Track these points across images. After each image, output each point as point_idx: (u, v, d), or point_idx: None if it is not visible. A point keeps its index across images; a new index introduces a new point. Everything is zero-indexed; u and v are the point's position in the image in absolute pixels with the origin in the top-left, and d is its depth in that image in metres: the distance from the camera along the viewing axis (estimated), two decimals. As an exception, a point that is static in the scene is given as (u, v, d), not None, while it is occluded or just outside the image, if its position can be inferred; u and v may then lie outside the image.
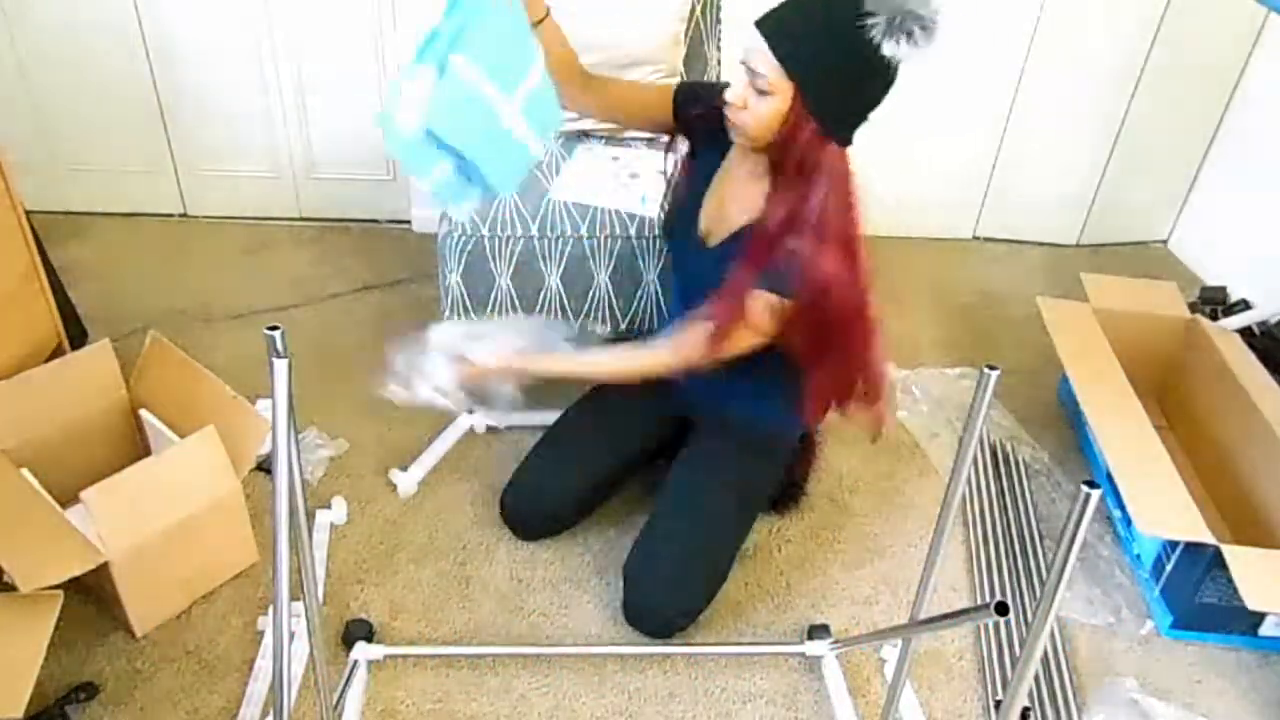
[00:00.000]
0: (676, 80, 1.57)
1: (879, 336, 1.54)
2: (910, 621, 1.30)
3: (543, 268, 1.95)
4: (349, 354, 2.21)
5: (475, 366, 1.50)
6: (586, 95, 1.65)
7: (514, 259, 1.93)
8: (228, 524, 1.64)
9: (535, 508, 1.75)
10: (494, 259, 1.93)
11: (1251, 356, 2.00)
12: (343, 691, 1.46)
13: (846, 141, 1.41)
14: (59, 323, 1.87)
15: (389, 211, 2.76)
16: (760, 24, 1.36)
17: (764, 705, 1.54)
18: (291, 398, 1.00)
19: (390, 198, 2.73)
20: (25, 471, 1.52)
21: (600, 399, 1.78)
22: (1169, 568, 1.69)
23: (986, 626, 1.67)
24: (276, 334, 0.98)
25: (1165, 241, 2.98)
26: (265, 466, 1.85)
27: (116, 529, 1.45)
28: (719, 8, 2.27)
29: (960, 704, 1.57)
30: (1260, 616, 1.65)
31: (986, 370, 1.07)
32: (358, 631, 1.57)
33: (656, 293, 2.00)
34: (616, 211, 1.95)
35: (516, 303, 1.99)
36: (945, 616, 1.22)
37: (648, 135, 2.20)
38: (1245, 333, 2.16)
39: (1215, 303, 2.37)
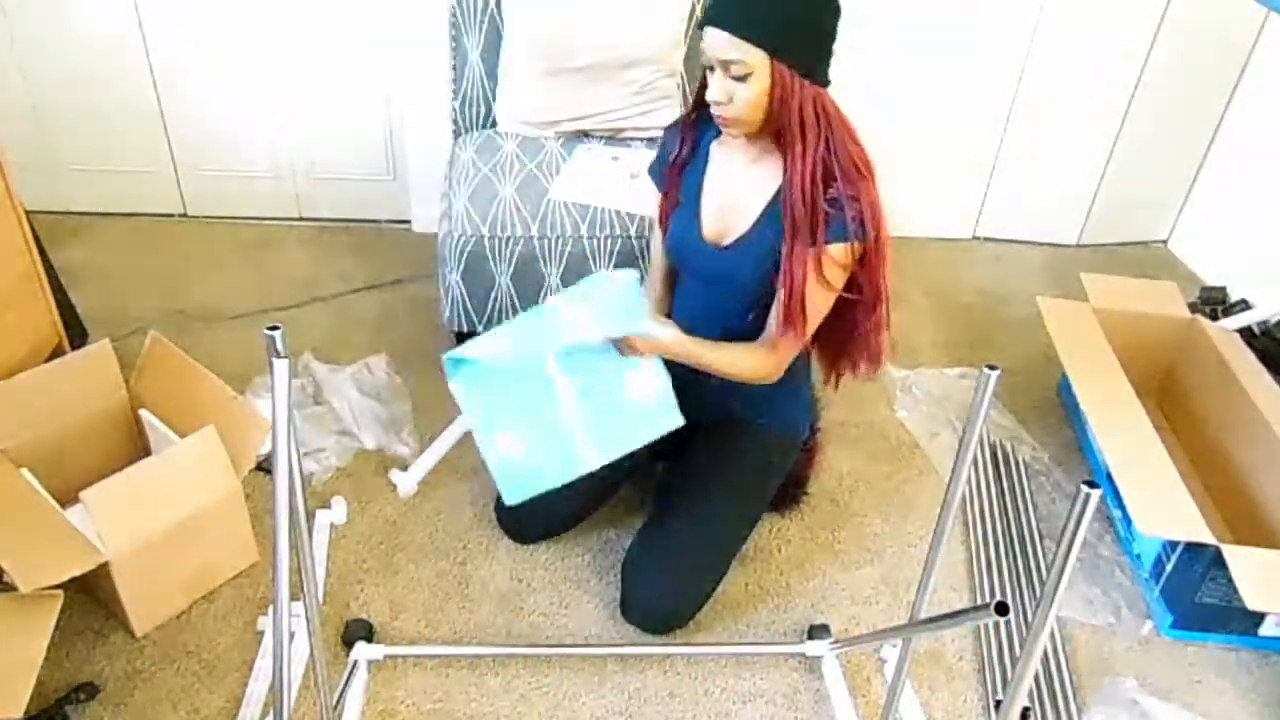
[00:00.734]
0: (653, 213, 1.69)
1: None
2: (910, 621, 1.30)
3: (543, 268, 1.95)
4: (349, 354, 2.21)
5: (644, 342, 1.48)
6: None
7: (514, 259, 1.93)
8: (228, 524, 1.64)
9: (531, 514, 1.74)
10: (494, 259, 1.93)
11: (1251, 356, 2.00)
12: (343, 691, 1.46)
13: (827, 81, 1.43)
14: (59, 323, 1.88)
15: (389, 211, 2.76)
16: (711, 20, 1.39)
17: (764, 705, 1.54)
18: (291, 398, 1.00)
19: (390, 198, 2.73)
20: (25, 471, 1.52)
21: None
22: (1169, 568, 1.69)
23: (986, 626, 1.67)
24: (276, 334, 0.98)
25: (1165, 241, 2.98)
26: (265, 466, 1.85)
27: (116, 529, 1.45)
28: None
29: (960, 704, 1.57)
30: (1260, 616, 1.65)
31: (986, 370, 1.07)
32: (358, 631, 1.57)
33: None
34: (616, 211, 1.95)
35: (516, 303, 1.99)
36: (945, 616, 1.22)
37: (648, 135, 2.21)
38: (1245, 333, 2.15)
39: (1215, 303, 2.37)
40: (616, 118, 2.18)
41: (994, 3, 2.51)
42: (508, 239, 1.92)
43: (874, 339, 1.56)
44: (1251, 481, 1.84)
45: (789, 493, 1.88)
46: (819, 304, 1.49)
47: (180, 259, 2.57)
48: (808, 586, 1.75)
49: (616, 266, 1.96)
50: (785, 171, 1.45)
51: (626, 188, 2.02)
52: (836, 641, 1.59)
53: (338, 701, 1.44)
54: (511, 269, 1.94)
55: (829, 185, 1.43)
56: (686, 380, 1.75)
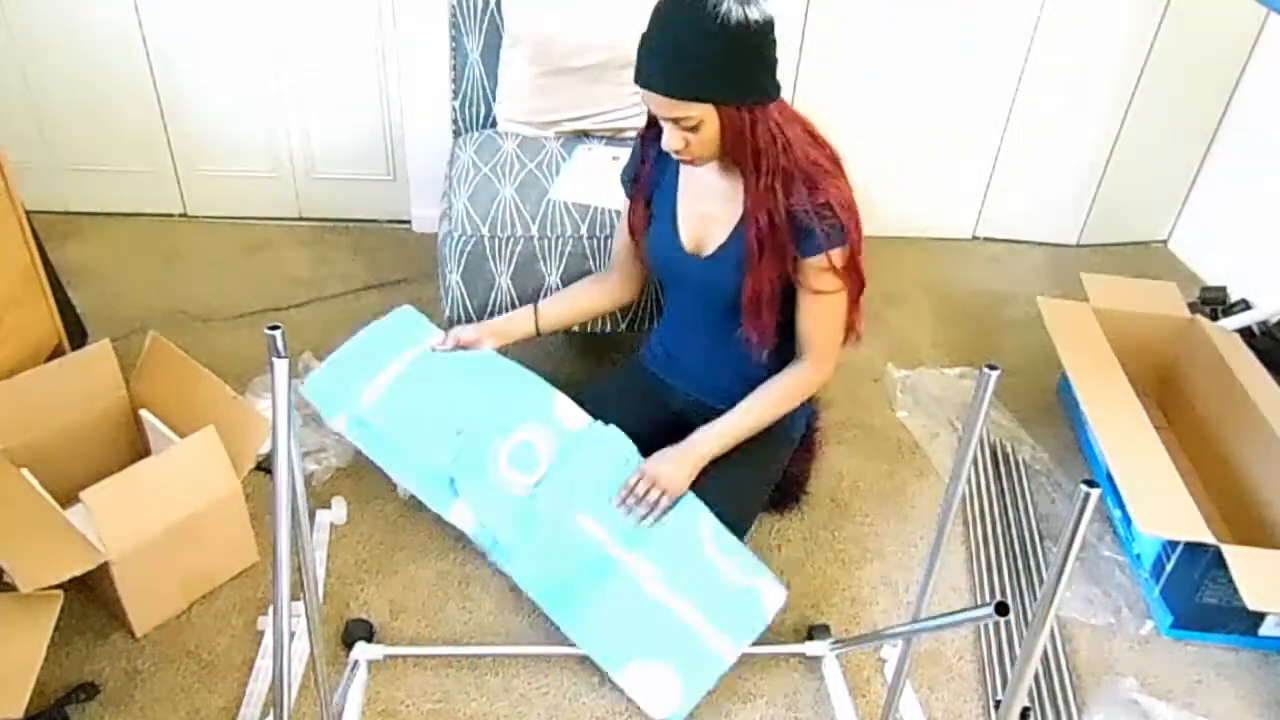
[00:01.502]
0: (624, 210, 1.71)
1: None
2: (910, 621, 1.30)
3: (543, 268, 1.95)
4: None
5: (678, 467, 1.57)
6: (624, 281, 1.79)
7: (514, 259, 1.93)
8: (228, 524, 1.64)
9: None
10: (494, 259, 1.93)
11: (1251, 356, 2.00)
12: (343, 691, 1.46)
13: (778, 92, 1.43)
14: (59, 323, 1.88)
15: (389, 211, 2.76)
16: (645, 84, 1.39)
17: (764, 705, 1.54)
18: (292, 398, 1.00)
19: (390, 198, 2.73)
20: (25, 471, 1.52)
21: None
22: (1169, 568, 1.69)
23: (986, 626, 1.67)
24: (276, 334, 0.98)
25: (1165, 241, 2.98)
26: (265, 466, 1.85)
27: (116, 529, 1.45)
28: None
29: (960, 704, 1.57)
30: (1260, 616, 1.65)
31: (986, 370, 1.07)
32: (358, 631, 1.57)
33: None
34: (616, 211, 1.95)
35: (517, 302, 1.98)
36: (945, 616, 1.22)
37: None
38: (1245, 333, 2.16)
39: (1215, 303, 2.37)
40: (616, 118, 2.18)
41: (994, 2, 2.51)
42: (508, 239, 1.92)
43: (853, 316, 1.60)
44: (1251, 481, 1.84)
45: (789, 492, 1.88)
46: (835, 308, 1.54)
47: (180, 259, 2.57)
48: (808, 586, 1.75)
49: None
50: (745, 201, 1.48)
51: (626, 188, 2.02)
52: (836, 641, 1.59)
53: (338, 701, 1.44)
54: (511, 269, 1.94)
55: (794, 197, 1.44)
56: (675, 382, 1.76)
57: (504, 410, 1.65)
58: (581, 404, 1.71)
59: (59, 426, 1.68)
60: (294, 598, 1.51)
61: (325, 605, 1.64)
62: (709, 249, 1.58)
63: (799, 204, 1.43)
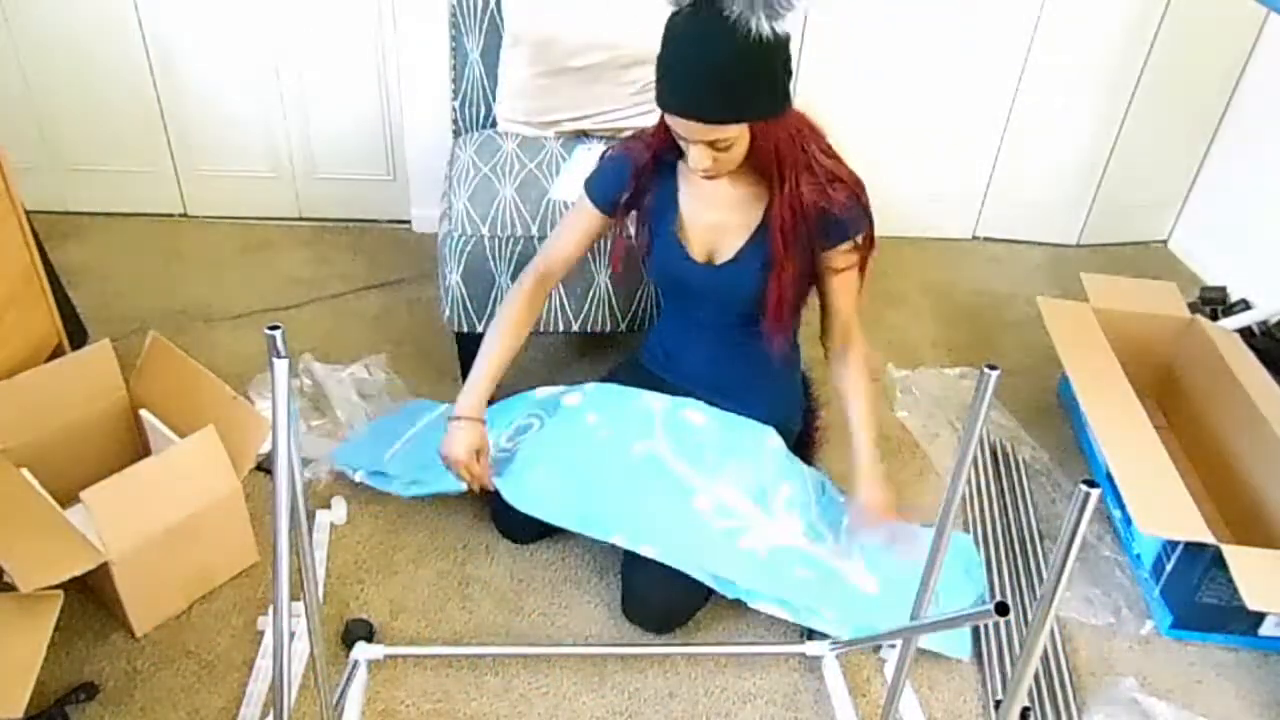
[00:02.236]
0: (583, 195, 1.67)
1: None
2: (910, 622, 1.30)
3: (543, 268, 1.95)
4: (349, 354, 2.21)
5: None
6: (542, 292, 1.73)
7: (514, 259, 1.93)
8: (228, 524, 1.64)
9: (526, 517, 1.74)
10: (494, 259, 1.93)
11: (1251, 356, 2.00)
12: (343, 691, 1.46)
13: (791, 101, 1.46)
14: (59, 323, 1.88)
15: (389, 211, 2.76)
16: (678, 110, 1.39)
17: (764, 705, 1.54)
18: (292, 398, 1.00)
19: (390, 198, 2.73)
20: (25, 471, 1.52)
21: None
22: (1169, 568, 1.69)
23: (986, 626, 1.67)
24: (277, 334, 0.98)
25: (1165, 241, 2.98)
26: (265, 466, 1.85)
27: (116, 529, 1.45)
28: (719, 8, 2.27)
29: (960, 704, 1.57)
30: (1260, 616, 1.65)
31: (986, 370, 1.07)
32: (358, 631, 1.57)
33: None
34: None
35: (516, 303, 1.98)
36: (945, 616, 1.22)
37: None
38: (1245, 333, 2.16)
39: (1215, 303, 2.37)
40: (616, 118, 2.18)
41: (994, 2, 2.51)
42: (508, 239, 1.92)
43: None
44: (1251, 481, 1.84)
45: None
46: (855, 279, 1.61)
47: (180, 259, 2.57)
48: (808, 586, 1.75)
49: (614, 270, 1.96)
50: (771, 203, 1.50)
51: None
52: (836, 641, 1.59)
53: (338, 701, 1.44)
54: (511, 269, 1.94)
55: (817, 192, 1.48)
56: (676, 381, 1.76)
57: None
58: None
59: (59, 426, 1.68)
60: (294, 598, 1.51)
61: (325, 605, 1.64)
62: (724, 257, 1.59)
63: (822, 198, 1.48)
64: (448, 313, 2.00)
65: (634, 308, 2.02)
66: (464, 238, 1.91)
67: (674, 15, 1.37)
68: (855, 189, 1.52)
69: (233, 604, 1.64)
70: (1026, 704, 1.54)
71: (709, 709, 1.53)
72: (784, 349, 1.66)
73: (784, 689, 1.57)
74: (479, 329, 2.01)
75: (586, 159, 2.11)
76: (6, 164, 1.68)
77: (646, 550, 1.54)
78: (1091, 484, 0.83)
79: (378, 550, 1.76)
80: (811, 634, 1.62)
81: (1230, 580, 1.50)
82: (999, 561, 1.81)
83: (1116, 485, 1.67)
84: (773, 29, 1.30)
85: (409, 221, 2.76)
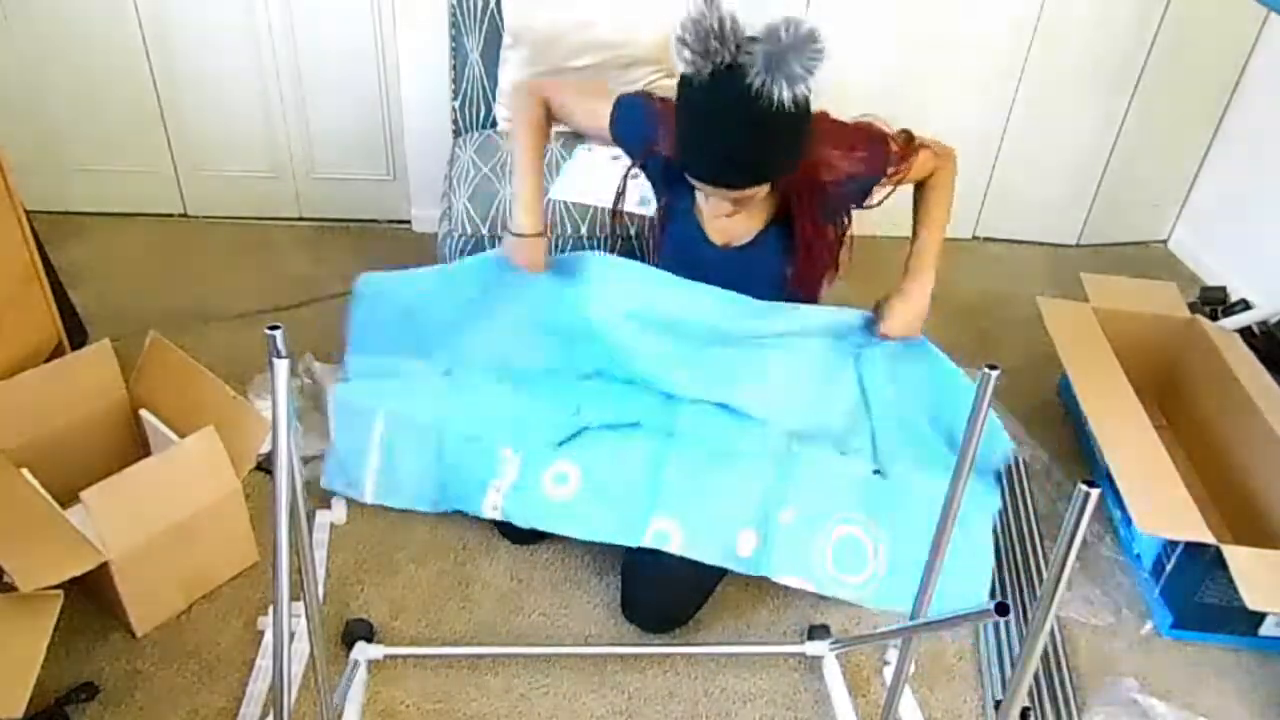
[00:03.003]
0: (612, 105, 1.64)
1: None
2: (910, 622, 1.30)
3: (543, 268, 1.95)
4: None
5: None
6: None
7: (514, 259, 1.93)
8: (228, 524, 1.64)
9: None
10: (494, 259, 1.93)
11: (1251, 356, 2.00)
12: (343, 691, 1.46)
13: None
14: (59, 323, 1.87)
15: (389, 211, 2.76)
16: (709, 180, 1.40)
17: (764, 705, 1.54)
18: (292, 398, 1.00)
19: (390, 198, 2.73)
20: (25, 471, 1.52)
21: None
22: (1169, 568, 1.69)
23: (986, 626, 1.67)
24: (277, 334, 0.98)
25: (1165, 241, 2.98)
26: (265, 466, 1.85)
27: (116, 529, 1.45)
28: (719, 8, 2.27)
29: (960, 704, 1.57)
30: (1260, 616, 1.65)
31: (986, 370, 1.07)
32: (358, 631, 1.57)
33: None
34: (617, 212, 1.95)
35: (516, 303, 1.98)
36: (945, 617, 1.21)
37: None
38: (1245, 333, 2.15)
39: (1215, 303, 2.37)
40: (616, 118, 2.18)
41: (994, 2, 2.51)
42: (508, 239, 1.92)
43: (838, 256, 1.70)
44: (1251, 481, 1.84)
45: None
46: (921, 157, 1.60)
47: (180, 259, 2.57)
48: (808, 586, 1.75)
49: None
50: (796, 223, 1.55)
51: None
52: (836, 641, 1.59)
53: (338, 701, 1.44)
54: (511, 269, 1.94)
55: (836, 184, 1.52)
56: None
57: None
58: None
59: (59, 426, 1.68)
60: (294, 598, 1.51)
61: (325, 605, 1.64)
62: (741, 240, 1.61)
63: (843, 175, 1.52)
64: (448, 313, 2.00)
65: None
66: (464, 238, 1.91)
67: (691, 83, 1.33)
68: (866, 138, 1.54)
69: (233, 604, 1.64)
70: (1026, 704, 1.54)
71: (709, 709, 1.53)
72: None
73: (784, 689, 1.57)
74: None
75: (586, 159, 2.11)
76: (6, 164, 1.68)
77: (673, 533, 1.54)
78: (1091, 484, 0.83)
79: (378, 550, 1.76)
80: (812, 633, 1.63)
81: (1230, 580, 1.50)
82: (999, 561, 1.81)
83: (1116, 485, 1.67)
84: (795, 94, 1.28)
85: (409, 221, 2.76)
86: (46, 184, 2.61)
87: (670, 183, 1.63)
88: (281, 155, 2.64)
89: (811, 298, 1.67)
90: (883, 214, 1.62)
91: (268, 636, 1.58)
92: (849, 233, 1.66)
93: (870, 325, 1.66)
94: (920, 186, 1.65)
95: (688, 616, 1.63)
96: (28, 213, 1.78)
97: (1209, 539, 1.56)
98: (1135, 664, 1.65)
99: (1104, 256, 2.88)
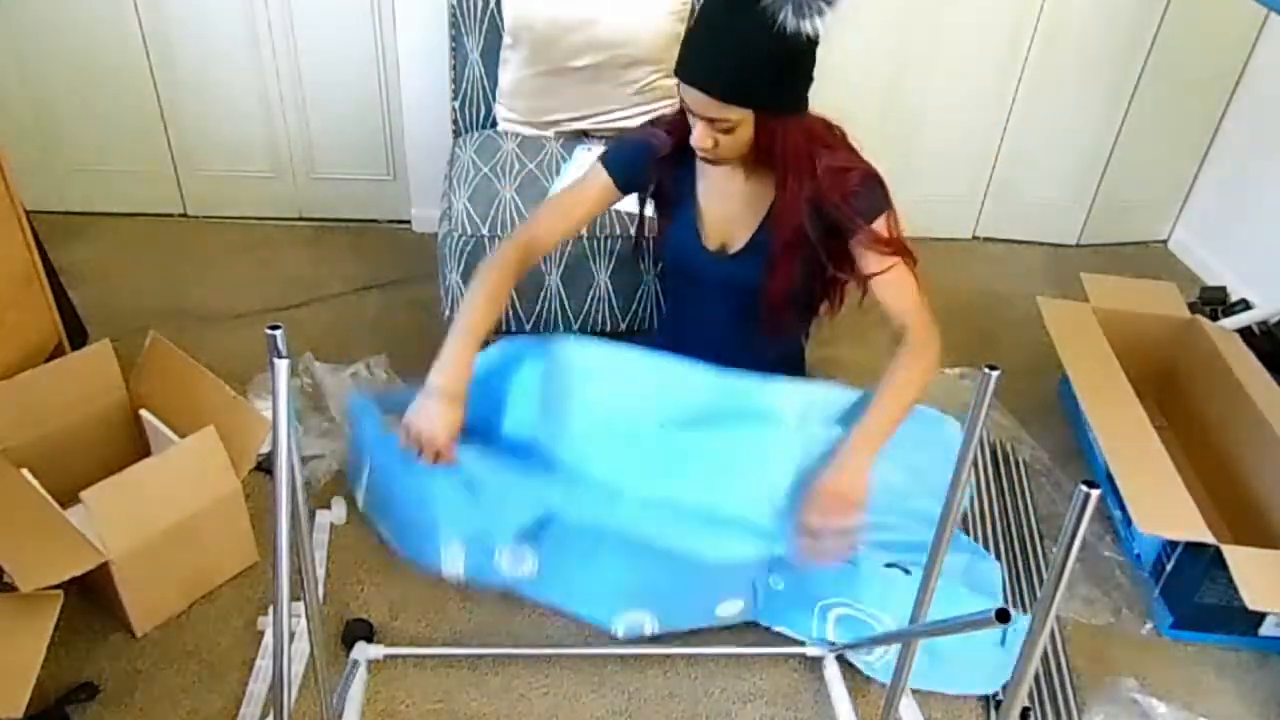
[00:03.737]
0: (596, 167, 1.59)
1: None
2: (910, 625, 1.30)
3: (543, 268, 1.95)
4: (349, 354, 2.21)
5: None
6: (533, 255, 1.57)
7: (514, 259, 1.93)
8: (228, 524, 1.64)
9: None
10: (494, 259, 1.93)
11: (1251, 356, 2.00)
12: (343, 691, 1.46)
13: (807, 104, 1.44)
14: (59, 323, 1.88)
15: (389, 211, 2.76)
16: (690, 79, 1.38)
17: (764, 705, 1.54)
18: (292, 398, 1.00)
19: (390, 198, 2.73)
20: (25, 471, 1.52)
21: None
22: (1169, 568, 1.69)
23: (986, 626, 1.67)
24: (277, 334, 0.98)
25: (1165, 241, 2.97)
26: (265, 466, 1.85)
27: (116, 529, 1.45)
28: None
29: (960, 704, 1.57)
30: (1260, 616, 1.65)
31: (986, 370, 1.07)
32: (358, 631, 1.57)
33: (656, 293, 2.00)
34: (617, 211, 1.95)
35: (516, 303, 1.98)
36: (946, 621, 1.21)
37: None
38: (1245, 333, 2.15)
39: (1215, 303, 2.37)
40: (616, 118, 2.18)
41: (994, 2, 2.51)
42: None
43: (843, 291, 1.65)
44: (1251, 481, 1.84)
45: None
46: (903, 278, 1.52)
47: (180, 259, 2.57)
48: (808, 586, 1.75)
49: (616, 267, 1.96)
50: (774, 201, 1.49)
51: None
52: (837, 642, 1.59)
53: (338, 701, 1.44)
54: (511, 269, 1.94)
55: (824, 196, 1.46)
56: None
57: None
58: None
59: (59, 426, 1.68)
60: (294, 598, 1.50)
61: (325, 605, 1.64)
62: (735, 247, 1.59)
63: (829, 200, 1.46)
64: (448, 313, 2.00)
65: (634, 307, 2.02)
66: (464, 238, 1.91)
67: None
68: (867, 176, 1.48)
69: (233, 604, 1.64)
70: (1026, 704, 1.54)
71: (709, 709, 1.53)
72: (783, 344, 1.64)
73: (784, 689, 1.57)
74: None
75: (586, 159, 2.11)
76: (6, 164, 1.68)
77: (646, 623, 1.48)
78: (1091, 484, 0.83)
79: (378, 550, 1.76)
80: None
81: (1230, 580, 1.50)
82: (999, 562, 1.81)
83: (1116, 485, 1.67)
84: (799, 26, 1.30)
85: (409, 221, 2.76)
86: (46, 184, 2.61)
87: (671, 195, 1.64)
88: (281, 155, 2.64)
89: (777, 322, 1.60)
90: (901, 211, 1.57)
91: (268, 636, 1.58)
92: (840, 288, 1.61)
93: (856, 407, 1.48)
94: (895, 356, 1.50)
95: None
96: (28, 213, 1.78)
97: (1209, 539, 1.56)
98: (1135, 664, 1.65)
99: (1104, 256, 2.88)
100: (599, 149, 2.15)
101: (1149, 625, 1.72)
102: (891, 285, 1.52)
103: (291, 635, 1.53)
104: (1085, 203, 2.86)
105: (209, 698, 1.49)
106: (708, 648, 1.62)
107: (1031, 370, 2.31)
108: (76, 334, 2.03)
